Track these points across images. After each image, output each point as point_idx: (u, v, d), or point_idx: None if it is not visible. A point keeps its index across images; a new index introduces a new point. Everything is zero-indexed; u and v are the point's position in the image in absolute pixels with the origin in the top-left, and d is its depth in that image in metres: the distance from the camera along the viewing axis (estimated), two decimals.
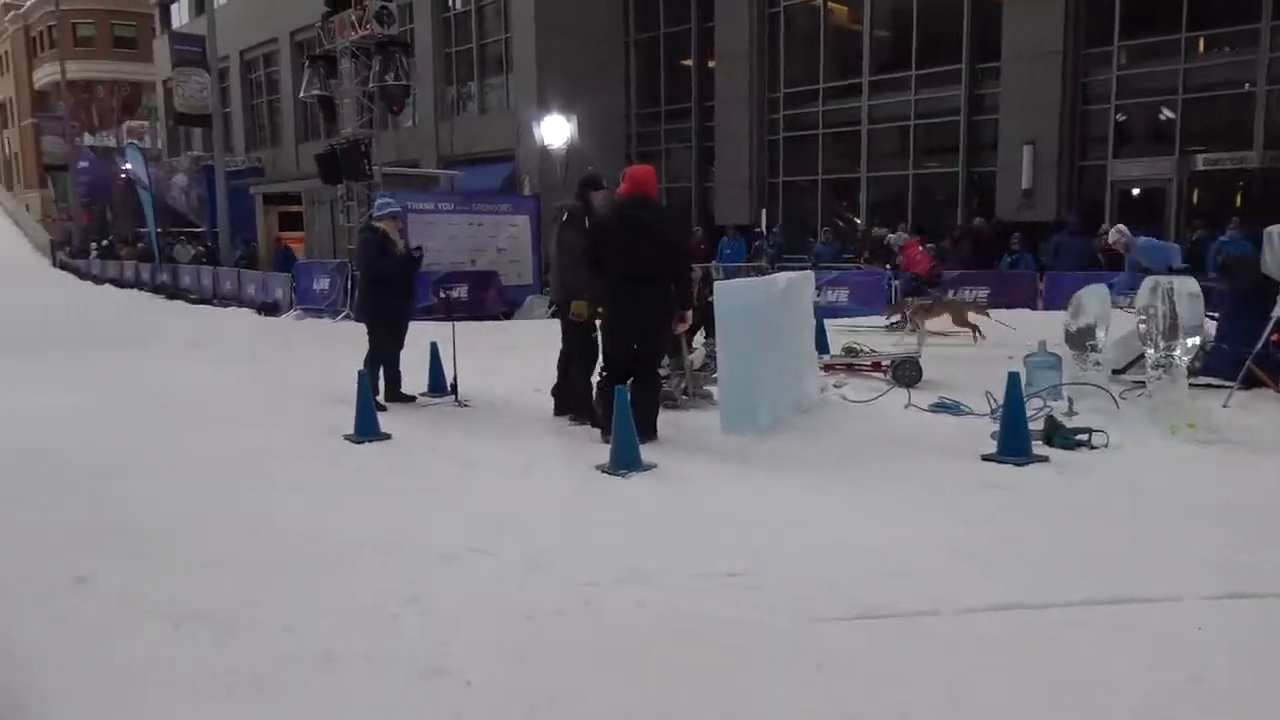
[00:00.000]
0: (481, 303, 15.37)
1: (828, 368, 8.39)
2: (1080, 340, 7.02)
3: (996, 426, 5.72)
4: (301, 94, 18.95)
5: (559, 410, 6.82)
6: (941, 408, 6.84)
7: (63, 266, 30.26)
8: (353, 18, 16.09)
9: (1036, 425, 5.70)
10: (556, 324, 6.94)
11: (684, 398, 7.19)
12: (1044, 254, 14.71)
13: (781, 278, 6.78)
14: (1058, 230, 15.03)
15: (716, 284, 6.55)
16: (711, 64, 21.72)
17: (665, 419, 6.25)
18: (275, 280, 18.89)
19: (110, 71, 49.69)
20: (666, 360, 6.91)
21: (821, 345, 8.81)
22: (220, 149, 23.94)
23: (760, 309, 6.18)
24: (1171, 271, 10.03)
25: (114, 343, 13.35)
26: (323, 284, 17.16)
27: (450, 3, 25.08)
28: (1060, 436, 5.62)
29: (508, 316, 15.91)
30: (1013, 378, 5.44)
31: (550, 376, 7.05)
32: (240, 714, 2.66)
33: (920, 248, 13.63)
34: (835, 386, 7.85)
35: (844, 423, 6.53)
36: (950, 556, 3.81)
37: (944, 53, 17.96)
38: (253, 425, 6.99)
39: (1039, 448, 5.46)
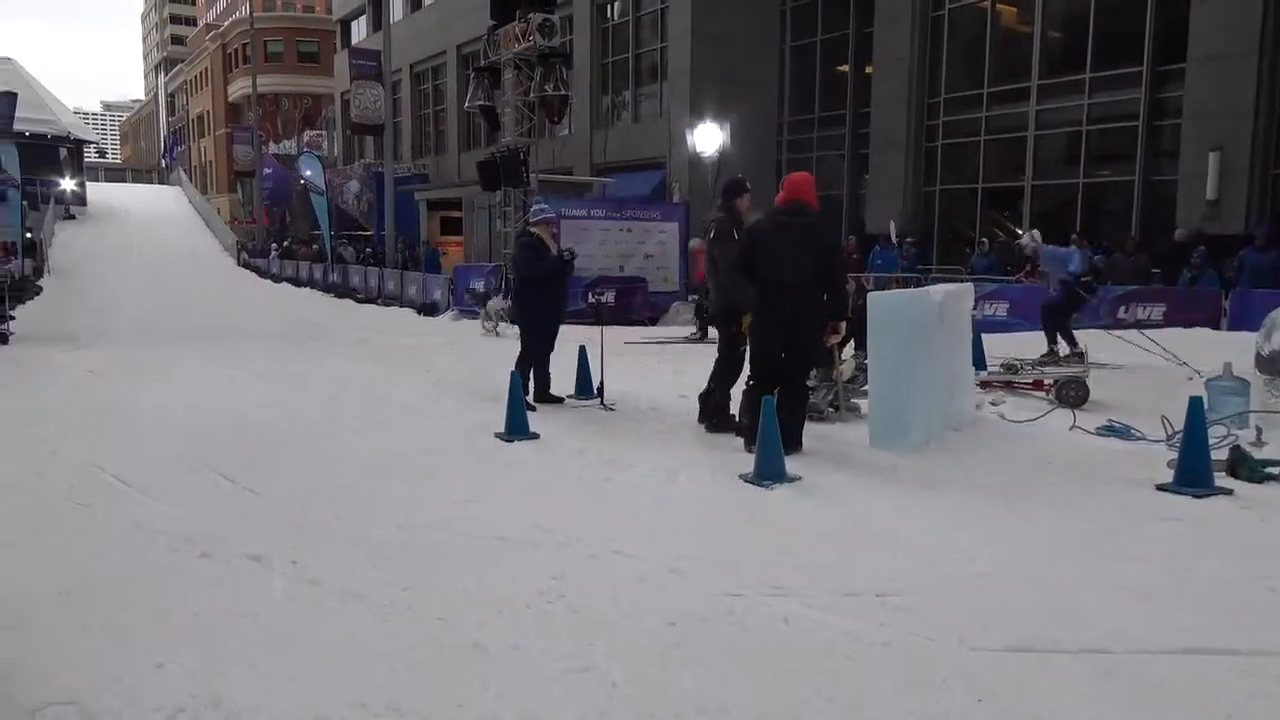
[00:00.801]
0: (628, 308, 15.62)
1: (985, 384, 8.04)
2: (1273, 365, 6.45)
3: (1173, 454, 5.32)
4: (466, 104, 19.84)
5: (702, 416, 6.83)
6: (1110, 431, 6.43)
7: (245, 265, 32.70)
8: (517, 30, 16.70)
9: (1219, 455, 5.26)
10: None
11: (831, 410, 7.05)
12: (1228, 270, 13.58)
13: (939, 289, 6.54)
14: (1245, 244, 13.84)
15: (870, 294, 6.40)
16: (868, 70, 21.25)
17: (811, 431, 6.15)
18: (435, 282, 19.81)
19: (294, 85, 53.44)
20: (814, 371, 6.79)
21: (979, 361, 8.45)
22: (390, 157, 25.35)
23: (915, 321, 5.98)
24: (1074, 278, 9.62)
25: (290, 338, 14.36)
26: (479, 286, 17.85)
27: (609, 14, 25.61)
28: (1248, 468, 5.16)
29: (653, 322, 16.10)
30: (1194, 402, 5.04)
31: (695, 383, 7.07)
32: (399, 695, 2.78)
33: None
34: (993, 404, 7.51)
35: (1001, 443, 6.22)
36: (1121, 592, 3.56)
37: (1123, 54, 16.88)
38: (410, 420, 7.35)
39: (1222, 479, 5.04)
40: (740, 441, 6.07)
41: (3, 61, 41.53)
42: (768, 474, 5.18)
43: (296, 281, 27.41)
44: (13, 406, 7.71)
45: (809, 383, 6.44)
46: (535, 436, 6.50)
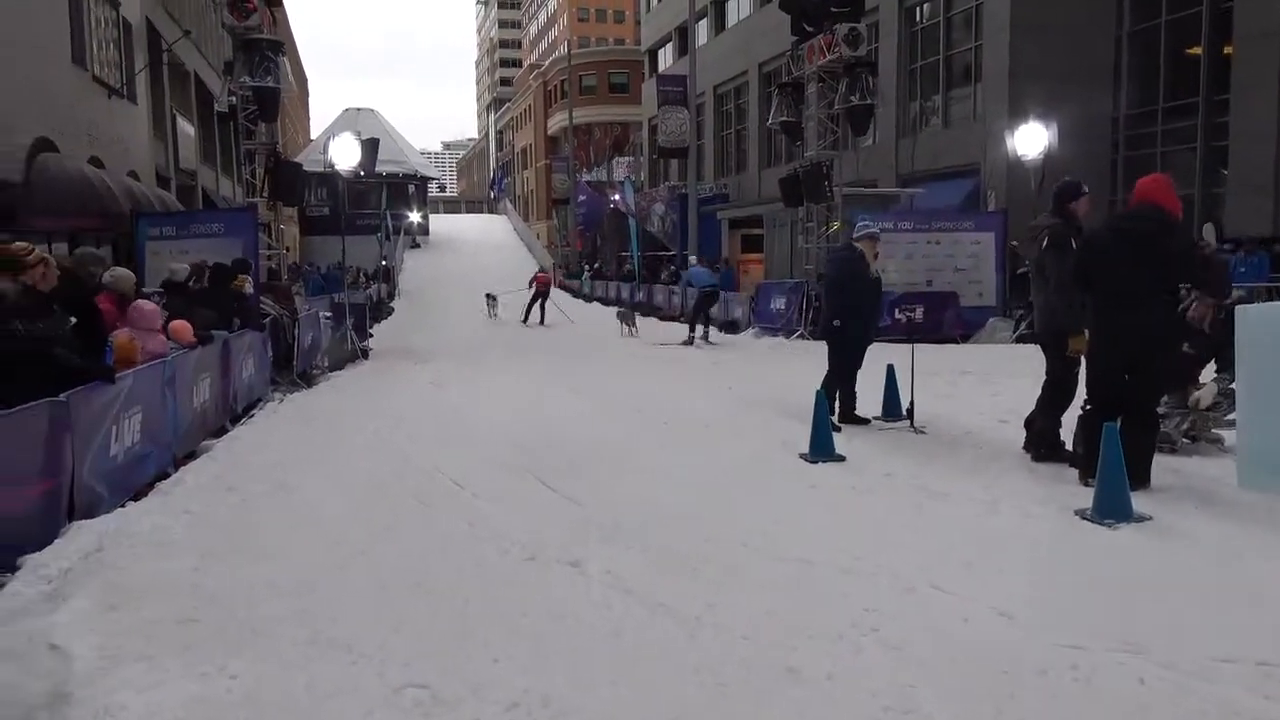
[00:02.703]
0: (938, 324, 14.83)
1: None
2: None
3: None
4: (769, 121, 19.98)
5: (1027, 444, 6.25)
6: None
7: (561, 286, 35.27)
8: (821, 43, 16.54)
9: None
10: (1020, 349, 6.39)
11: (1186, 441, 6.17)
12: None
13: None
14: None
15: (1241, 308, 5.51)
16: (1228, 49, 18.59)
17: (1162, 465, 5.41)
18: (735, 299, 20.08)
19: (605, 115, 57.08)
20: (1165, 397, 5.97)
21: None
22: (693, 178, 26.17)
23: None
24: None
25: (600, 354, 15.23)
26: (779, 304, 17.83)
27: (918, 16, 24.66)
28: None
29: (965, 339, 15.17)
30: None
31: (1016, 407, 6.50)
32: (710, 711, 2.77)
33: None
34: None
35: None
36: None
37: None
38: (713, 436, 7.44)
39: None
40: (1074, 473, 5.48)
41: (367, 112, 48.33)
42: (1110, 511, 4.61)
43: (605, 300, 29.07)
44: (374, 416, 8.79)
45: (1159, 409, 5.67)
46: (841, 459, 6.30)
